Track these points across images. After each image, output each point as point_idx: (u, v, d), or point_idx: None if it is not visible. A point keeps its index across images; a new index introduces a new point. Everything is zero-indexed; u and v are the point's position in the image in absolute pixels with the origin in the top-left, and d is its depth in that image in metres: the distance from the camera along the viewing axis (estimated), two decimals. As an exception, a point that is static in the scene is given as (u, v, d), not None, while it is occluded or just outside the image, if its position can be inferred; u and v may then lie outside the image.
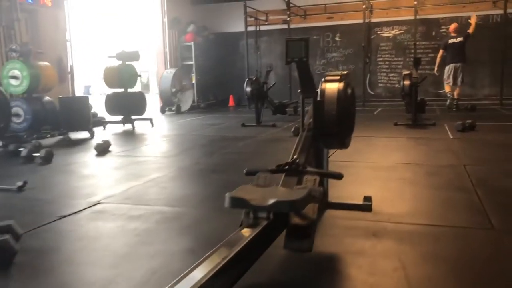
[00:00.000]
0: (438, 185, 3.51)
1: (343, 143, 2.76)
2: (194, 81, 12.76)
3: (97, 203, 3.22)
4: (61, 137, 6.68)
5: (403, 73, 7.45)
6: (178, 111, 11.44)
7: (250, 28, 12.74)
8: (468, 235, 2.44)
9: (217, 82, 13.94)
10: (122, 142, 6.69)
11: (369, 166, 4.33)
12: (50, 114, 6.51)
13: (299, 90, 2.65)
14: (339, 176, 2.25)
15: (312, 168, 2.42)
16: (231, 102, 13.78)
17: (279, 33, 13.25)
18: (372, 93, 13.02)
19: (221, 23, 14.11)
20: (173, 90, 11.75)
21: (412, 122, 7.36)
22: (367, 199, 2.83)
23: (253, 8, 12.49)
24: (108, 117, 8.65)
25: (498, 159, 4.52)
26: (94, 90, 41.82)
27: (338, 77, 2.63)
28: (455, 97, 10.02)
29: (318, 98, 2.59)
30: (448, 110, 10.12)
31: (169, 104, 11.62)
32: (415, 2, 11.17)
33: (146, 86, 39.85)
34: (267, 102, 8.32)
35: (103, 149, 5.48)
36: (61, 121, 6.86)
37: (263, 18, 13.25)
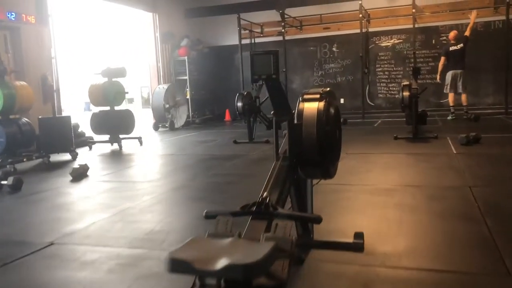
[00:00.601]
0: (441, 213, 3.10)
1: (327, 173, 2.35)
2: (188, 96, 12.42)
3: (51, 243, 2.81)
4: (40, 160, 6.30)
5: (402, 83, 7.07)
6: (172, 128, 11.08)
7: (245, 41, 12.44)
8: (478, 285, 2.02)
9: (212, 96, 13.61)
10: (105, 164, 6.31)
11: (365, 189, 3.92)
12: (27, 136, 6.14)
13: (272, 112, 2.25)
14: (317, 220, 1.85)
15: (287, 208, 2.03)
16: (227, 117, 13.41)
17: (275, 45, 12.90)
18: (372, 104, 12.63)
19: (216, 37, 13.83)
20: (166, 106, 11.40)
21: (413, 136, 6.95)
22: (359, 236, 2.44)
23: (248, 21, 12.20)
24: (97, 137, 8.30)
25: (507, 178, 4.10)
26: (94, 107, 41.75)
27: (318, 96, 2.24)
28: (464, 103, 9.69)
29: (295, 121, 2.20)
30: (451, 119, 9.75)
31: (162, 121, 11.26)
32: (414, 10, 10.84)
33: (147, 101, 39.43)
34: (260, 117, 7.94)
35: (79, 174, 5.09)
36: (41, 143, 6.50)
37: (258, 30, 12.94)
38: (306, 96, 2.29)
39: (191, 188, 4.36)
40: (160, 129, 11.30)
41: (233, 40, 12.76)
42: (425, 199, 3.50)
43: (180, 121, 11.70)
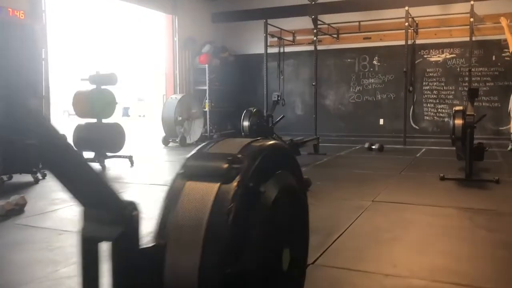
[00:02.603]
0: None
1: None
2: (207, 108, 11.16)
3: None
4: (-11, 183, 5.13)
5: (454, 109, 5.44)
6: (183, 143, 9.80)
7: (274, 50, 11.08)
8: None
9: (236, 109, 12.23)
10: (63, 194, 5.03)
11: (382, 285, 2.38)
12: (-28, 153, 4.99)
13: (82, 210, 0.81)
14: None
15: None
16: (250, 133, 12.03)
17: (307, 55, 11.50)
18: (416, 127, 10.92)
19: (243, 44, 12.54)
20: (179, 118, 10.17)
21: (465, 177, 5.30)
22: None
23: (278, 27, 10.81)
24: (87, 154, 7.12)
25: None
26: (132, 112, 41.11)
27: (224, 165, 0.81)
28: None
29: (154, 241, 0.79)
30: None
31: (173, 135, 10.02)
32: (472, 19, 9.10)
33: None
34: (273, 140, 6.49)
35: (5, 213, 3.83)
36: (-2, 160, 5.34)
37: (290, 38, 11.54)
38: (192, 164, 0.87)
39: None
40: (170, 144, 10.06)
41: (262, 48, 11.37)
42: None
43: (194, 136, 10.42)
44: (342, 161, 7.34)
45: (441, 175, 5.40)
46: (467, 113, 5.32)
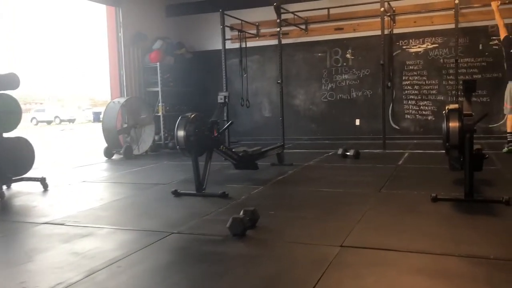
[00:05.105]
0: None
1: None
2: (160, 113, 9.75)
3: None
4: None
5: (447, 108, 4.14)
6: (128, 156, 8.35)
7: (237, 45, 9.72)
8: None
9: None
10: None
11: None
12: None
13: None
14: None
15: None
16: (211, 139, 10.63)
17: (274, 50, 10.14)
18: (396, 127, 9.69)
19: (203, 39, 11.15)
20: (124, 125, 8.76)
21: (465, 196, 4.04)
22: None
23: (239, 19, 9.44)
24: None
25: None
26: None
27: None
28: None
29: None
30: (508, 151, 6.94)
31: (117, 146, 8.58)
32: (457, 2, 7.90)
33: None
34: (221, 152, 5.12)
35: None
36: None
37: (253, 31, 10.21)
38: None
39: None
40: (114, 157, 8.61)
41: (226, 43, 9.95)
42: None
43: (144, 146, 9.00)
44: (310, 174, 6.02)
45: (433, 195, 4.12)
46: (465, 112, 4.05)
